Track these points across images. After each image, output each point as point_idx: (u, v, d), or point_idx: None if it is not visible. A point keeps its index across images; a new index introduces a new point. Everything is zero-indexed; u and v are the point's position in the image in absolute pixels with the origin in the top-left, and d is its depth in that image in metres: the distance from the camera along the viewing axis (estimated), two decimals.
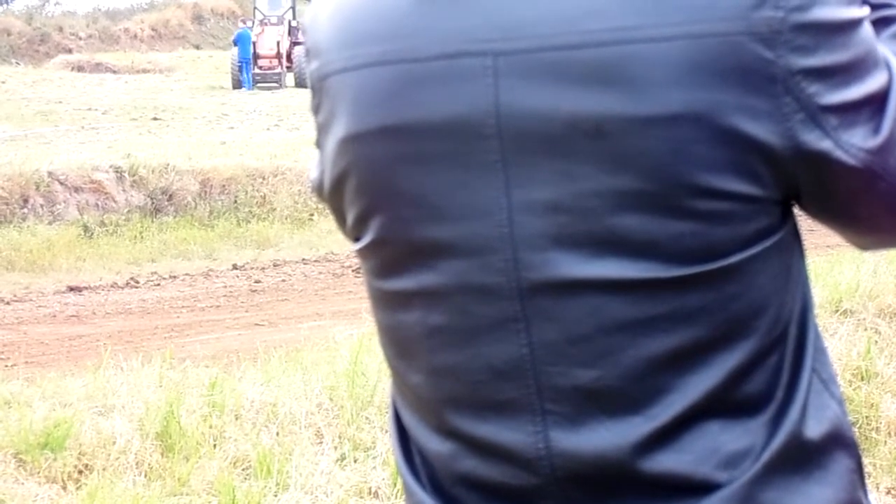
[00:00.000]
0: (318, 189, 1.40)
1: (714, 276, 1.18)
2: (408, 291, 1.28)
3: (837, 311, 6.59)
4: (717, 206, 1.16)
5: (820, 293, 6.64)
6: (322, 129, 1.34)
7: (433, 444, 1.32)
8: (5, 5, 59.07)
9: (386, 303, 1.32)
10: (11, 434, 5.01)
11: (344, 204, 1.32)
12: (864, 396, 5.82)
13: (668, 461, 1.20)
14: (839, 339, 6.18)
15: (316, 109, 1.34)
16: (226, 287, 13.33)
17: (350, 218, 1.32)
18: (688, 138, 1.14)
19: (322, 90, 1.32)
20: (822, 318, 6.32)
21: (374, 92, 1.25)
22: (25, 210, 16.03)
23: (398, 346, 1.33)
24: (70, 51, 48.64)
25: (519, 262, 1.20)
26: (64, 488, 4.77)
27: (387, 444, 5.12)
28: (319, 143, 1.36)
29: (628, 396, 1.20)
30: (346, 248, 14.30)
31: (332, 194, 1.34)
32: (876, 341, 6.32)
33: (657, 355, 1.19)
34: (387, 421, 5.12)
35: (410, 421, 1.35)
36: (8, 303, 12.26)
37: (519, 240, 1.20)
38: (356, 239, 1.33)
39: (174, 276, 13.94)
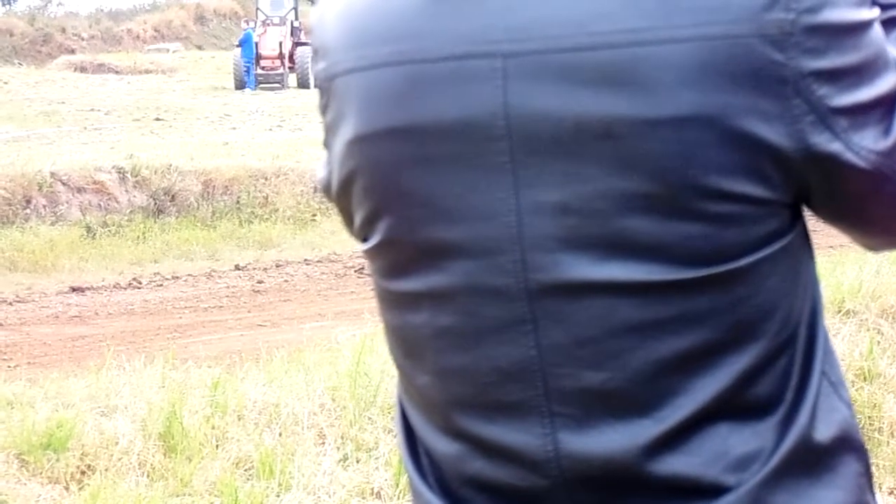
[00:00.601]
0: (326, 189, 1.39)
1: (723, 279, 1.18)
2: (416, 292, 1.28)
3: (840, 311, 6.58)
4: (727, 208, 1.16)
5: (822, 293, 6.61)
6: (330, 130, 1.34)
7: (441, 445, 1.31)
8: (8, 6, 59.12)
9: (393, 303, 1.32)
10: (14, 434, 5.01)
11: (352, 204, 1.32)
12: (867, 397, 5.82)
13: (677, 464, 1.20)
14: (842, 340, 6.17)
15: (324, 110, 1.34)
16: (228, 288, 13.33)
17: (358, 218, 1.32)
18: (698, 140, 1.14)
19: (330, 90, 1.32)
20: (825, 318, 6.29)
21: (382, 93, 1.25)
22: (28, 210, 16.03)
23: (405, 346, 1.33)
24: (73, 51, 48.68)
25: (527, 264, 1.20)
26: (66, 489, 4.78)
27: (389, 444, 5.12)
28: (327, 144, 1.36)
29: (637, 399, 1.20)
30: (348, 249, 14.30)
31: (340, 195, 1.34)
32: (878, 342, 6.32)
33: (666, 358, 1.19)
34: (389, 421, 5.13)
35: (418, 421, 1.35)
36: (11, 303, 12.26)
37: (527, 241, 1.20)
38: (364, 239, 1.32)
39: (177, 277, 13.93)
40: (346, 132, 1.29)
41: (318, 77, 1.34)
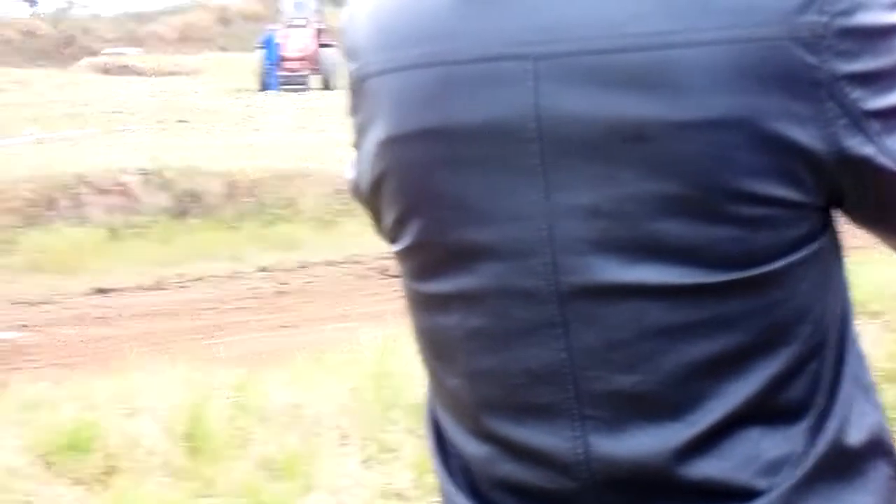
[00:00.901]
0: (355, 190, 1.39)
1: (755, 283, 1.17)
2: (446, 294, 1.27)
3: (864, 312, 6.56)
4: (759, 211, 1.15)
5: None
6: (360, 131, 1.34)
7: (470, 447, 1.31)
8: (32, 7, 59.37)
9: (423, 305, 1.32)
10: (39, 435, 5.03)
11: (382, 206, 1.32)
12: (892, 399, 5.80)
13: (708, 468, 1.20)
14: (866, 342, 6.15)
15: (354, 111, 1.34)
16: (252, 289, 13.35)
17: (388, 220, 1.32)
18: (730, 143, 1.14)
19: (361, 92, 1.32)
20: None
21: (413, 94, 1.25)
22: (53, 212, 16.10)
23: (435, 348, 1.33)
24: (96, 53, 48.86)
25: (558, 266, 1.20)
26: (91, 490, 4.79)
27: (412, 445, 5.13)
28: (357, 145, 1.35)
29: (668, 402, 1.20)
30: (371, 251, 14.30)
31: (370, 196, 1.34)
32: None
33: (698, 361, 1.19)
34: (412, 423, 5.13)
35: (447, 423, 1.35)
36: (36, 305, 12.32)
37: (558, 244, 1.19)
38: (394, 241, 1.32)
39: (200, 279, 13.97)
40: (377, 133, 1.29)
41: (349, 78, 1.34)
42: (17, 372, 7.81)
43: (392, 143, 1.27)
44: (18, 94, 33.24)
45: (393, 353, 5.83)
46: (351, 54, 1.33)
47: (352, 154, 1.39)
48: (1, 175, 16.50)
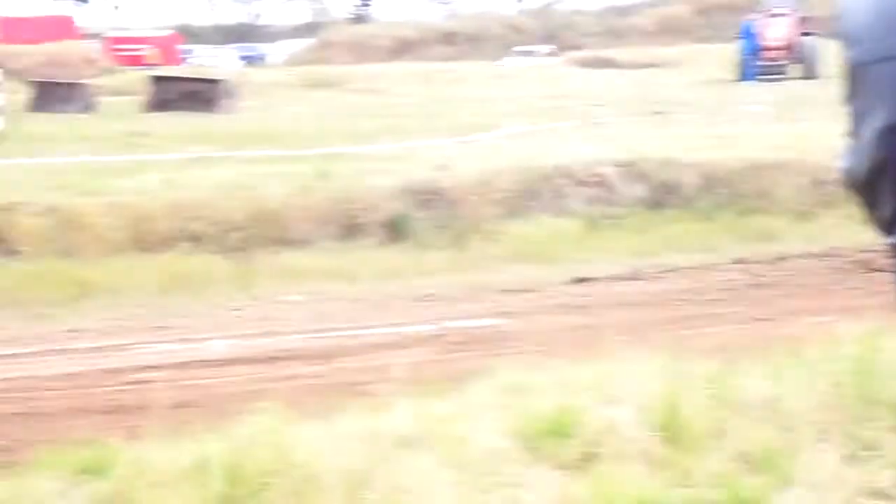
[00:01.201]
0: (848, 179, 1.37)
1: None
2: None
3: None
4: None
5: None
6: (857, 118, 1.31)
7: None
8: (520, 2, 61.63)
9: None
10: (521, 420, 5.21)
11: (878, 195, 1.28)
12: None
13: None
14: None
15: (850, 98, 1.32)
16: (726, 280, 13.30)
17: (885, 210, 1.28)
18: None
19: (859, 78, 1.29)
20: None
21: None
22: (533, 203, 16.60)
23: None
24: (578, 47, 50.04)
25: None
26: (571, 475, 4.92)
27: (894, 444, 4.96)
28: (853, 133, 1.33)
29: None
30: (851, 244, 13.91)
31: (866, 185, 1.31)
32: None
33: None
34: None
35: None
36: (517, 293, 12.76)
37: None
38: (890, 232, 1.29)
39: (675, 269, 14.03)
40: (876, 121, 1.26)
41: (846, 64, 1.32)
42: (500, 357, 8.12)
43: (893, 132, 1.24)
44: (503, 87, 34.57)
45: (876, 349, 5.65)
46: (848, 41, 1.31)
47: (845, 142, 1.37)
48: (486, 167, 17.18)
